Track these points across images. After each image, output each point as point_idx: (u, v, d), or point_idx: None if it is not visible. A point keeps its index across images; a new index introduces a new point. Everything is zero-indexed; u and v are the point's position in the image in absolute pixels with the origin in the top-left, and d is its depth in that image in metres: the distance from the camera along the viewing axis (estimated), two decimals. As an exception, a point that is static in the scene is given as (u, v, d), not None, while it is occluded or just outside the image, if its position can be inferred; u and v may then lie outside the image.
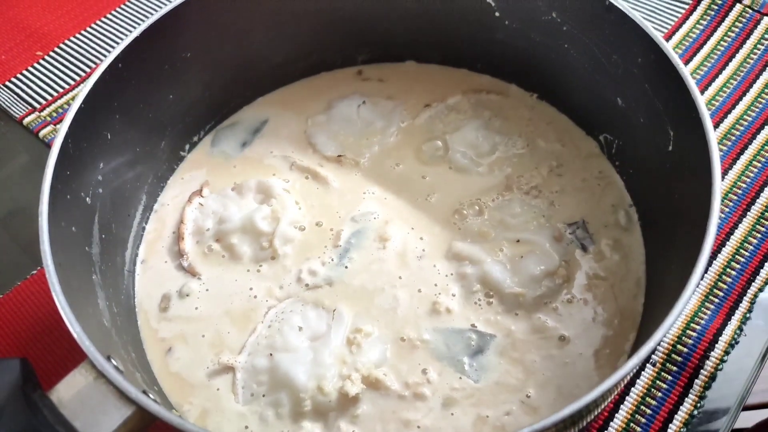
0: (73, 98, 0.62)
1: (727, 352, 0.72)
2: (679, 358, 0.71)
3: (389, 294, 0.71)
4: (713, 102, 0.90)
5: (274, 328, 0.70)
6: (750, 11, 0.99)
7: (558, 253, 0.73)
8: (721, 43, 0.97)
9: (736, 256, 0.78)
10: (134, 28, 0.71)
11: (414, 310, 0.70)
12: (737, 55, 0.95)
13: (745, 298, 0.75)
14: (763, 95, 0.90)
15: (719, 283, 0.76)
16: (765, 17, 0.98)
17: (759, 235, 0.79)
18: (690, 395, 0.70)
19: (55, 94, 0.99)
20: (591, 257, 0.73)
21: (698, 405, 0.69)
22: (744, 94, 0.91)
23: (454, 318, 0.70)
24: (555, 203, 0.77)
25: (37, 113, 0.97)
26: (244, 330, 0.71)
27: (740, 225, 0.80)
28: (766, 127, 0.88)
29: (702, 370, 0.71)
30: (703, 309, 0.75)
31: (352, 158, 0.83)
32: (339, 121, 0.86)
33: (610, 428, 0.69)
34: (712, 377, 0.70)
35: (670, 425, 0.68)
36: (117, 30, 1.06)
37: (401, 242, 0.75)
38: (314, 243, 0.76)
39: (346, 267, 0.74)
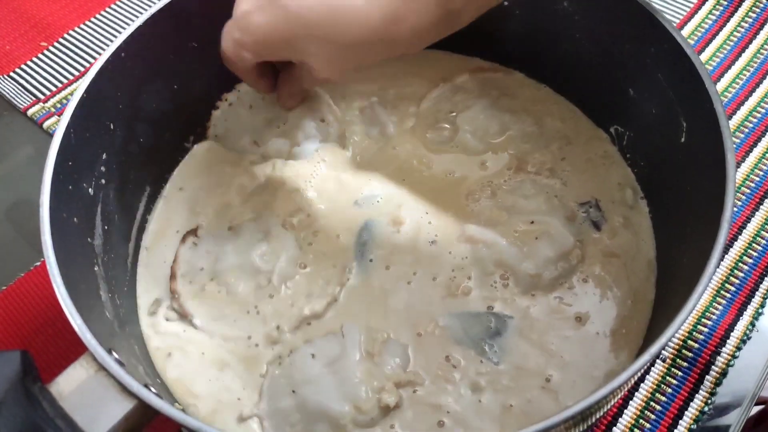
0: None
1: (738, 348, 0.71)
2: (690, 354, 0.70)
3: (403, 290, 0.69)
4: (726, 94, 0.89)
5: (286, 364, 0.66)
6: (763, 2, 0.97)
7: (572, 233, 0.71)
8: (734, 34, 0.95)
9: (749, 251, 0.77)
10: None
11: (428, 298, 0.69)
12: (750, 46, 0.94)
13: (757, 293, 0.74)
14: (776, 87, 0.89)
15: (731, 277, 0.75)
16: (779, 8, 0.97)
17: (772, 229, 0.78)
18: (701, 391, 0.69)
19: (59, 84, 0.98)
20: (604, 235, 0.72)
21: (709, 401, 0.68)
22: (757, 85, 0.90)
23: (470, 301, 0.68)
24: (566, 183, 0.76)
25: (41, 104, 0.96)
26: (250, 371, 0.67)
27: (753, 218, 0.79)
28: (779, 119, 0.87)
29: (713, 366, 0.70)
30: (714, 304, 0.74)
31: (357, 151, 0.80)
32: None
33: (619, 424, 0.68)
34: (723, 373, 0.69)
35: (680, 422, 0.68)
36: (122, 20, 1.05)
37: (414, 228, 0.73)
38: (316, 279, 0.71)
39: (371, 260, 0.71)
